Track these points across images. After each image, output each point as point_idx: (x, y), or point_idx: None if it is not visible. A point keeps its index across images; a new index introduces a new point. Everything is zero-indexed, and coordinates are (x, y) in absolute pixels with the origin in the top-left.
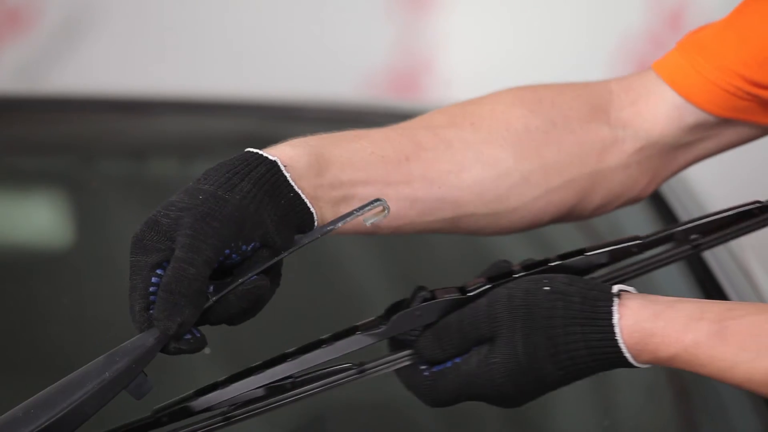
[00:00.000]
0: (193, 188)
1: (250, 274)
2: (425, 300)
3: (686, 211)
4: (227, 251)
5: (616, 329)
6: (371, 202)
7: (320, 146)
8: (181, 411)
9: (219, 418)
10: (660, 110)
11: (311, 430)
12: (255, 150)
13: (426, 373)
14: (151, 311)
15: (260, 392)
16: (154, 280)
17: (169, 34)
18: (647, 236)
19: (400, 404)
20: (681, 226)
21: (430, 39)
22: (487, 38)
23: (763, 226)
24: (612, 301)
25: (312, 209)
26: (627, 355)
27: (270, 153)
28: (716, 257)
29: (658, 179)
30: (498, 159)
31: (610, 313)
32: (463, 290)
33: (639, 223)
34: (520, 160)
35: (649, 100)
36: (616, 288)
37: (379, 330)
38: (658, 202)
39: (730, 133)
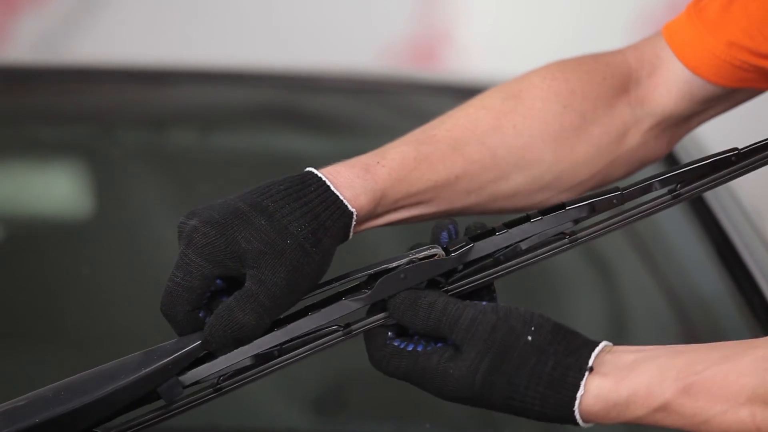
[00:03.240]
0: (277, 223)
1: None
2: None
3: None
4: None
5: (576, 402)
6: (427, 248)
7: (387, 187)
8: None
9: (210, 390)
10: (672, 84)
11: (326, 398)
12: (337, 193)
13: (387, 342)
14: (199, 313)
15: (248, 362)
16: (212, 289)
17: (188, 5)
18: (626, 187)
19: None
20: (660, 176)
21: (450, 9)
22: (505, 7)
23: (741, 173)
24: (583, 374)
25: None
26: (580, 422)
27: (345, 194)
28: (730, 220)
29: (673, 143)
30: (535, 162)
31: (576, 387)
32: (447, 251)
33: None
34: (555, 161)
35: (662, 74)
36: (592, 359)
37: (365, 294)
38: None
39: (737, 97)
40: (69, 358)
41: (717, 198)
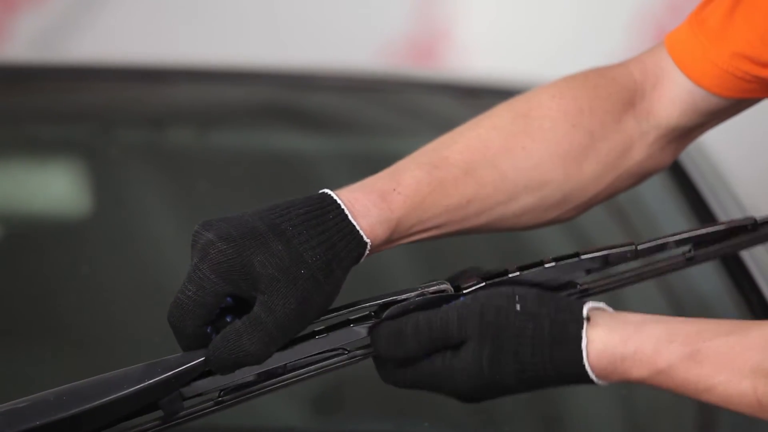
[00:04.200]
0: (294, 250)
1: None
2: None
3: (703, 178)
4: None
5: (584, 354)
6: (437, 283)
7: (403, 215)
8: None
9: (210, 403)
10: (675, 96)
11: (325, 397)
12: (355, 223)
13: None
14: (207, 330)
15: (251, 377)
16: (221, 306)
17: (186, 3)
18: (641, 243)
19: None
20: (675, 236)
21: (449, 7)
22: (505, 6)
23: (757, 243)
24: (581, 324)
25: None
26: (593, 377)
27: (361, 223)
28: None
29: (678, 153)
30: (544, 183)
31: (579, 338)
32: (458, 288)
33: (657, 191)
34: (564, 182)
35: (665, 86)
36: (586, 309)
37: (372, 322)
38: (677, 172)
39: (740, 106)
40: (67, 357)
41: (716, 197)
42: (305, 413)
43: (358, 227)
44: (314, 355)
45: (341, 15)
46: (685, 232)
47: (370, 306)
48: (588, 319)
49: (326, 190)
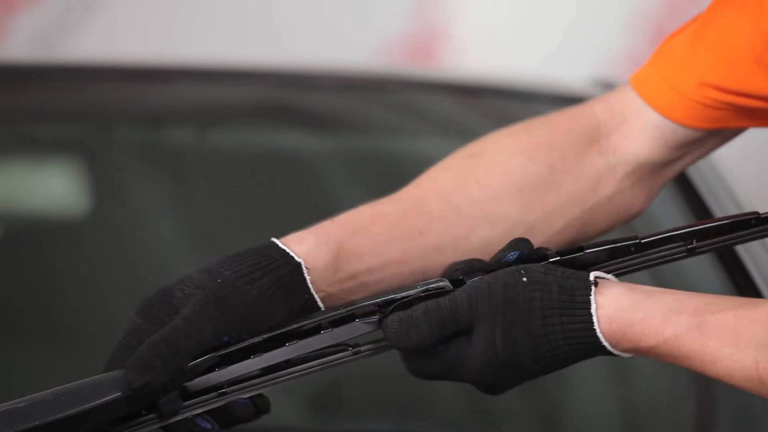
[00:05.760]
0: (215, 270)
1: (239, 395)
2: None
3: (711, 192)
4: (226, 338)
5: (594, 318)
6: (437, 281)
7: (343, 239)
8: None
9: (214, 393)
10: (644, 132)
11: (324, 396)
12: (282, 245)
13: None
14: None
15: (256, 371)
16: None
17: (185, 2)
18: (644, 237)
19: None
20: (679, 230)
21: (447, 6)
22: (503, 4)
23: (759, 237)
24: (589, 289)
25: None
26: (605, 343)
27: (296, 249)
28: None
29: (653, 194)
30: (504, 215)
31: (587, 303)
32: (461, 282)
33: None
34: (525, 212)
35: (633, 122)
36: (592, 276)
37: (377, 318)
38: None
39: (713, 140)
40: (66, 355)
41: (714, 197)
42: (304, 413)
43: (286, 248)
44: (318, 350)
45: (340, 14)
46: (689, 226)
47: (372, 303)
48: (596, 284)
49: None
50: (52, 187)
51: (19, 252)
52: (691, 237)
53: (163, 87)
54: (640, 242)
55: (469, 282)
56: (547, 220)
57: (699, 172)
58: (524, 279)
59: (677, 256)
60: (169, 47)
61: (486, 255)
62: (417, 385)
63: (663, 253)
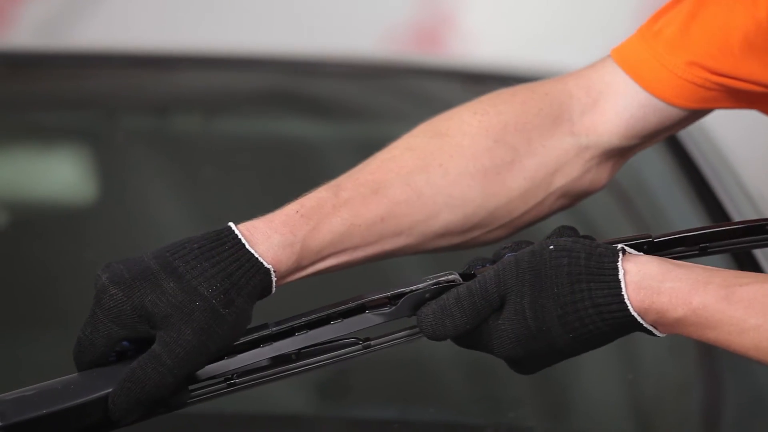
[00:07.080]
0: (187, 284)
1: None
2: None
3: (702, 155)
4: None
5: (622, 284)
6: (446, 274)
7: (306, 235)
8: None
9: (222, 383)
10: (623, 110)
11: (331, 383)
12: (251, 250)
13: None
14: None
15: (265, 362)
16: (117, 349)
17: None
18: (657, 237)
19: (423, 359)
20: (692, 232)
21: None
22: None
23: None
24: (617, 256)
25: None
26: (633, 313)
27: (261, 250)
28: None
29: (615, 172)
30: (466, 199)
31: (615, 269)
32: (470, 275)
33: (661, 175)
34: (487, 197)
35: (611, 100)
36: (620, 245)
37: (388, 310)
38: (681, 156)
39: (693, 118)
40: (71, 344)
41: (721, 182)
42: (311, 400)
43: (255, 254)
44: (328, 342)
45: (346, 1)
46: (702, 228)
47: (383, 297)
48: (623, 252)
49: (229, 224)
50: (58, 175)
51: (26, 239)
52: (704, 239)
53: (170, 74)
54: (653, 241)
55: (495, 264)
56: (508, 205)
57: (705, 158)
58: (551, 247)
59: (687, 254)
60: (175, 35)
61: (444, 237)
62: (423, 372)
63: (674, 253)
